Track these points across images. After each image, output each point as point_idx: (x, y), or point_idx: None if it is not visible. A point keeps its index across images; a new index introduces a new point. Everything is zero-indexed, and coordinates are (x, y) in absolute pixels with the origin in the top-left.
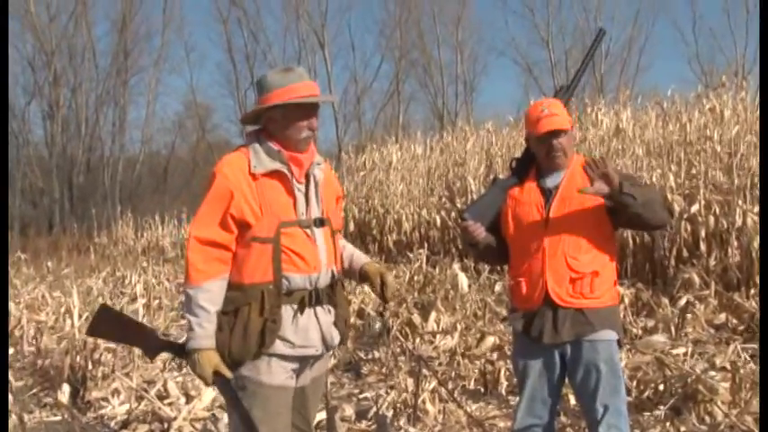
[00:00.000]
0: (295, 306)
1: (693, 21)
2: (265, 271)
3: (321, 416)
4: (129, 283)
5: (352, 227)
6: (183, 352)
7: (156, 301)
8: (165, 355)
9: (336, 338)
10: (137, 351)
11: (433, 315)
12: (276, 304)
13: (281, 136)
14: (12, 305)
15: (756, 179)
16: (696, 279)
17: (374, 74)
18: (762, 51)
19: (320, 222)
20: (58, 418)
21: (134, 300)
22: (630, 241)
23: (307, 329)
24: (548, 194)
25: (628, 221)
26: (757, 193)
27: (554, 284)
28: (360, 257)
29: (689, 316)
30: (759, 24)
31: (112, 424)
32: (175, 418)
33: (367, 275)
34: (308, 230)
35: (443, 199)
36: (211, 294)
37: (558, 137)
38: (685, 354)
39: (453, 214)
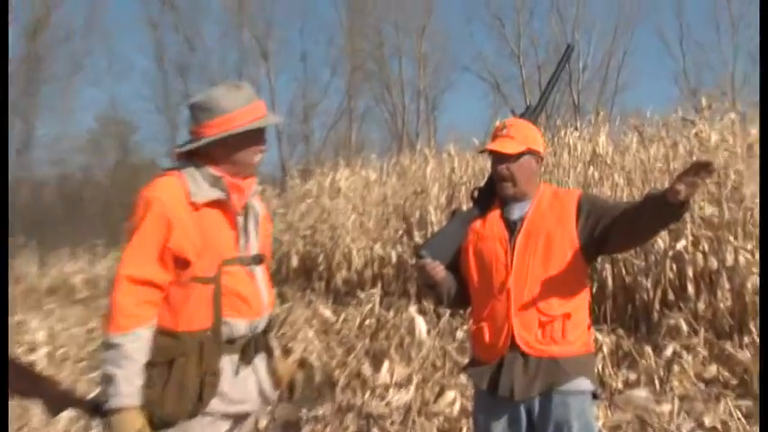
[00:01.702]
0: (236, 356)
1: (681, 33)
2: (205, 316)
3: None
4: (29, 330)
5: (295, 262)
6: (95, 411)
7: (62, 350)
8: (68, 414)
9: (274, 392)
10: (35, 408)
11: (385, 365)
12: (215, 355)
13: (226, 161)
14: None
15: (750, 213)
16: (683, 325)
17: (324, 88)
18: (762, 51)
19: (259, 259)
20: None
21: (33, 350)
22: (610, 281)
23: (245, 382)
24: (512, 227)
25: (633, 236)
26: (750, 228)
27: (521, 329)
28: None
29: (675, 368)
30: (759, 24)
31: None
32: None
33: None
34: (249, 269)
35: (400, 232)
36: (141, 343)
37: (503, 162)
38: (671, 411)
39: (411, 250)
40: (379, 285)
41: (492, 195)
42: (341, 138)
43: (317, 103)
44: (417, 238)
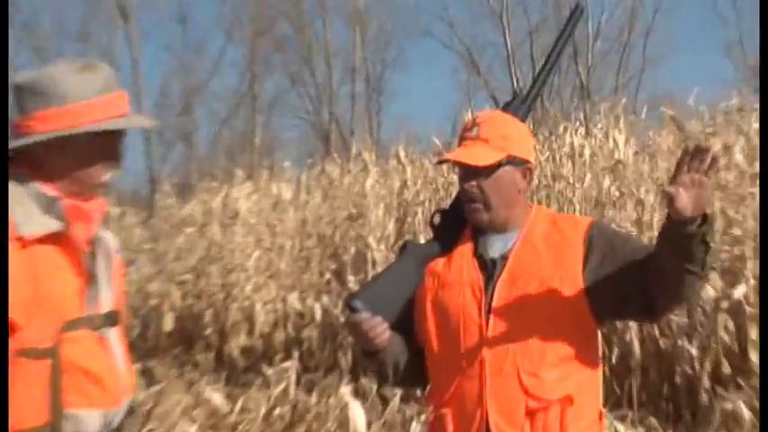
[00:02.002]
0: None
1: None
2: (38, 407)
3: None
4: None
5: (169, 324)
6: None
7: None
8: None
9: None
10: None
11: None
12: None
13: (63, 175)
14: None
15: None
16: (745, 412)
17: (214, 63)
18: (762, 52)
19: (113, 319)
20: None
21: None
22: (636, 346)
23: None
24: (490, 269)
25: (647, 300)
26: None
27: (500, 419)
28: None
29: None
30: (759, 24)
31: None
32: None
33: None
34: (100, 333)
35: (326, 275)
36: None
37: (472, 178)
38: None
39: (343, 301)
40: (296, 356)
41: (461, 222)
42: (239, 136)
43: (202, 84)
44: (352, 284)
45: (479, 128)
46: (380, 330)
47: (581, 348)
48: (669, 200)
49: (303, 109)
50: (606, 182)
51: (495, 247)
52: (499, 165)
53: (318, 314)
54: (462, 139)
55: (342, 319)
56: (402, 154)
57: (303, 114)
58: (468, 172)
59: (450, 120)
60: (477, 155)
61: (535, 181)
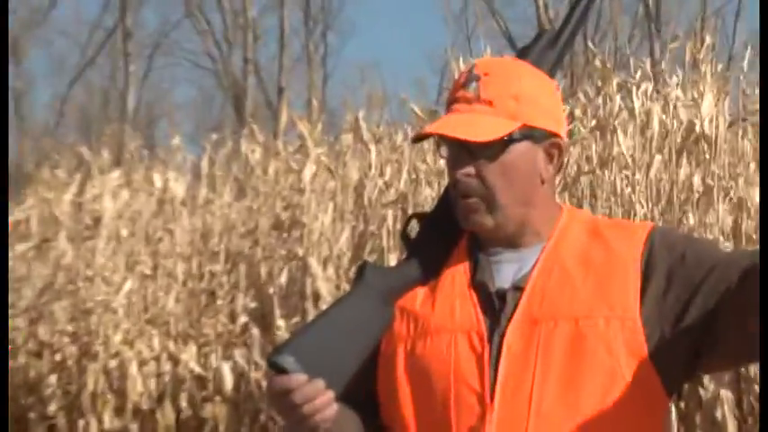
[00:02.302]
0: None
1: None
2: None
3: None
4: None
5: None
6: None
7: None
8: None
9: None
10: None
11: None
12: None
13: None
14: None
15: None
16: None
17: None
18: (762, 52)
19: None
20: None
21: None
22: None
23: None
24: (496, 307)
25: (738, 347)
26: None
27: None
28: None
29: None
30: (759, 24)
31: None
32: None
33: None
34: None
35: (241, 318)
36: None
37: (467, 161)
38: None
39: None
40: None
41: (450, 234)
42: (100, 98)
43: (39, 14)
44: (282, 332)
45: (480, 83)
46: (322, 402)
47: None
48: None
49: (203, 54)
50: (684, 168)
51: (505, 271)
52: (510, 140)
53: (228, 380)
54: (453, 100)
55: (264, 386)
56: (363, 127)
57: (203, 63)
58: (462, 152)
59: (436, 73)
60: (476, 125)
61: (569, 167)
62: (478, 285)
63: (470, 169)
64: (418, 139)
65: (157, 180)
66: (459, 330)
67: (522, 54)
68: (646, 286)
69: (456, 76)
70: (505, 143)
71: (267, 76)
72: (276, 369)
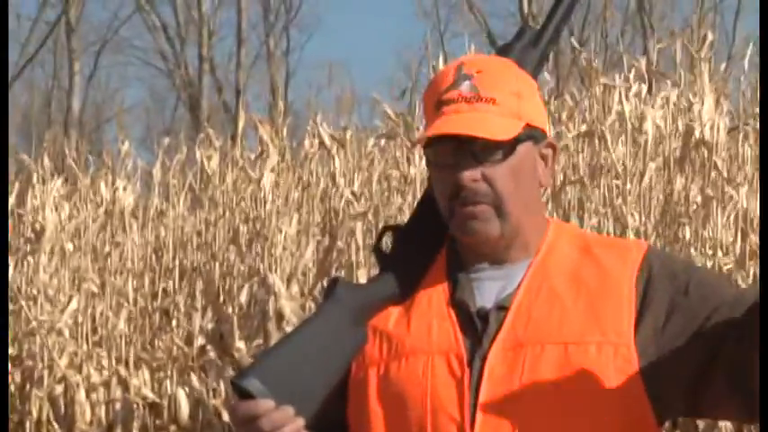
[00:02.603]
0: None
1: None
2: None
3: None
4: None
5: None
6: None
7: None
8: None
9: None
10: None
11: None
12: None
13: None
14: None
15: None
16: None
17: None
18: (762, 52)
19: None
20: None
21: None
22: None
23: None
24: (478, 328)
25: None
26: None
27: None
28: None
29: None
30: (759, 24)
31: None
32: None
33: None
34: None
35: (198, 340)
36: None
37: (471, 164)
38: None
39: (228, 380)
40: None
41: (427, 249)
42: (42, 99)
43: None
44: (243, 355)
45: (475, 82)
46: (291, 430)
47: None
48: None
49: (154, 52)
50: (679, 179)
51: (487, 289)
52: (517, 140)
53: (184, 407)
54: (445, 101)
55: (227, 414)
56: (327, 132)
57: (155, 62)
58: (466, 155)
59: (407, 72)
60: (488, 124)
61: (555, 176)
62: (458, 304)
63: (477, 173)
64: (422, 141)
65: (105, 190)
66: (437, 352)
67: (503, 52)
68: (642, 313)
69: (438, 75)
70: (513, 144)
71: (223, 75)
72: (240, 393)
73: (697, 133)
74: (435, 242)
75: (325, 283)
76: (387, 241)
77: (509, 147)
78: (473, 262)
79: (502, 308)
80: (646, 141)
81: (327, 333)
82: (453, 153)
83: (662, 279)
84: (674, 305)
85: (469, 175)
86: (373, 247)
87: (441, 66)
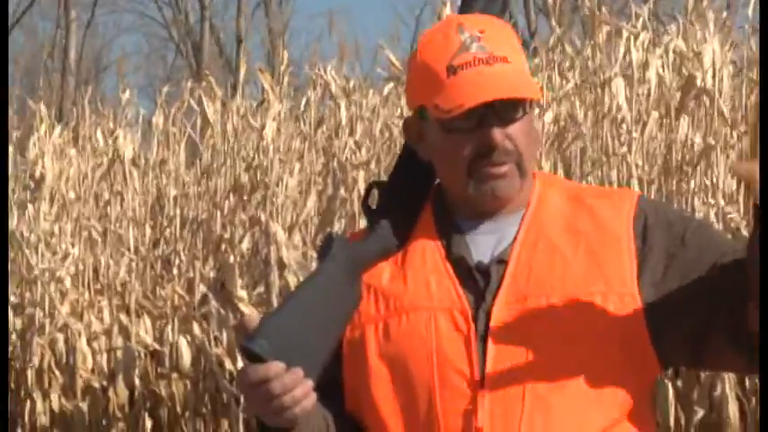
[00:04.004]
0: None
1: None
2: None
3: None
4: None
5: None
6: None
7: None
8: None
9: None
10: None
11: None
12: None
13: None
14: None
15: None
16: None
17: None
18: (762, 52)
19: None
20: None
21: None
22: (732, 407)
23: None
24: (479, 283)
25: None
26: None
27: None
28: None
29: None
30: (759, 24)
31: None
32: None
33: None
34: None
35: (200, 288)
36: None
37: (495, 124)
38: None
39: (236, 339)
40: (149, 429)
41: (413, 203)
42: (38, 48)
43: None
44: (244, 304)
45: (483, 40)
46: (303, 393)
47: (637, 408)
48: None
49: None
50: (683, 126)
51: (482, 244)
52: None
53: (186, 356)
54: (461, 65)
55: (234, 366)
56: (332, 79)
57: (151, 11)
58: (490, 114)
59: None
60: (518, 83)
61: (557, 126)
62: (455, 260)
63: (502, 132)
64: (461, 109)
65: (101, 138)
66: (439, 308)
67: (466, 7)
68: (643, 262)
69: (430, 39)
70: (529, 103)
71: (223, 25)
72: (249, 356)
73: (699, 81)
74: (419, 197)
75: (321, 239)
76: (374, 197)
77: (525, 105)
78: (465, 217)
79: (501, 261)
80: (649, 90)
81: (328, 292)
82: (477, 115)
83: (658, 228)
84: (673, 255)
85: (500, 134)
86: (362, 203)
87: (447, 11)
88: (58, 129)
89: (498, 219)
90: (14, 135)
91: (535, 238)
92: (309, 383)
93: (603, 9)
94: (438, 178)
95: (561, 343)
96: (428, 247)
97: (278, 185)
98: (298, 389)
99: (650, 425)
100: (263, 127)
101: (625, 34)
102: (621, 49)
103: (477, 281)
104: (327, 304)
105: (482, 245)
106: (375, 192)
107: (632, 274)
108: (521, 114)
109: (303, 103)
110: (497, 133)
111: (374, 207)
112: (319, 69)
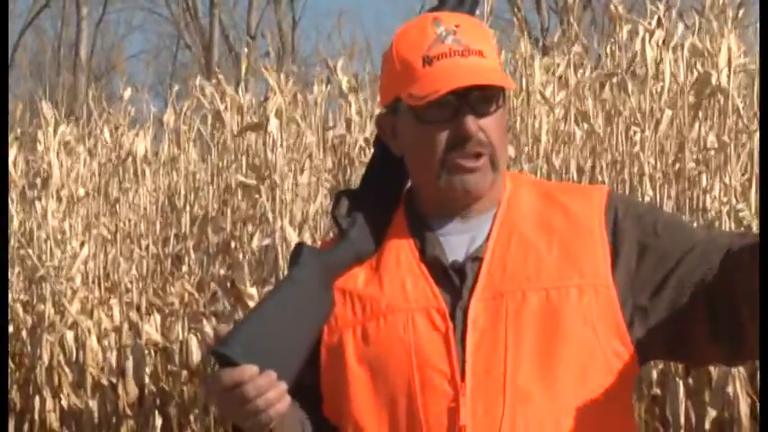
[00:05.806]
0: None
1: None
2: None
3: None
4: None
5: None
6: None
7: None
8: None
9: None
10: None
11: None
12: None
13: None
14: None
15: None
16: None
17: None
18: (762, 51)
19: None
20: None
21: None
22: (743, 405)
23: None
24: (454, 282)
25: (734, 331)
26: None
27: None
28: None
29: None
30: (759, 24)
31: None
32: None
33: None
34: None
35: (210, 286)
36: None
37: (469, 116)
38: None
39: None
40: (159, 427)
41: (383, 208)
42: (48, 48)
43: None
44: (256, 300)
45: (458, 34)
46: (276, 395)
47: (617, 399)
48: None
49: None
50: (696, 126)
51: (456, 244)
52: (503, 91)
53: (196, 353)
54: (436, 56)
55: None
56: (345, 75)
57: (159, 8)
58: (465, 107)
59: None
60: (492, 74)
61: (565, 125)
62: (430, 260)
63: (476, 123)
64: (435, 95)
65: (108, 136)
66: (416, 309)
67: (438, 7)
68: (616, 254)
69: (405, 32)
70: (500, 96)
71: (233, 20)
72: (221, 361)
73: (714, 80)
74: (391, 202)
75: (291, 251)
76: (343, 207)
77: (498, 98)
78: (437, 217)
79: (476, 259)
80: (662, 87)
81: (299, 297)
82: (451, 106)
83: (628, 220)
84: (645, 246)
85: (474, 126)
86: (330, 211)
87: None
88: (62, 126)
89: (471, 218)
90: (19, 132)
91: (508, 234)
92: (283, 386)
93: (620, 8)
94: (410, 177)
95: (539, 336)
96: (402, 249)
97: (287, 182)
98: (271, 391)
99: (629, 416)
100: (266, 124)
101: (641, 32)
102: (637, 46)
103: (453, 279)
104: (298, 309)
105: (456, 244)
106: (344, 200)
107: (606, 265)
108: (494, 108)
109: (312, 100)
110: (471, 123)
111: (343, 215)
112: (329, 66)
